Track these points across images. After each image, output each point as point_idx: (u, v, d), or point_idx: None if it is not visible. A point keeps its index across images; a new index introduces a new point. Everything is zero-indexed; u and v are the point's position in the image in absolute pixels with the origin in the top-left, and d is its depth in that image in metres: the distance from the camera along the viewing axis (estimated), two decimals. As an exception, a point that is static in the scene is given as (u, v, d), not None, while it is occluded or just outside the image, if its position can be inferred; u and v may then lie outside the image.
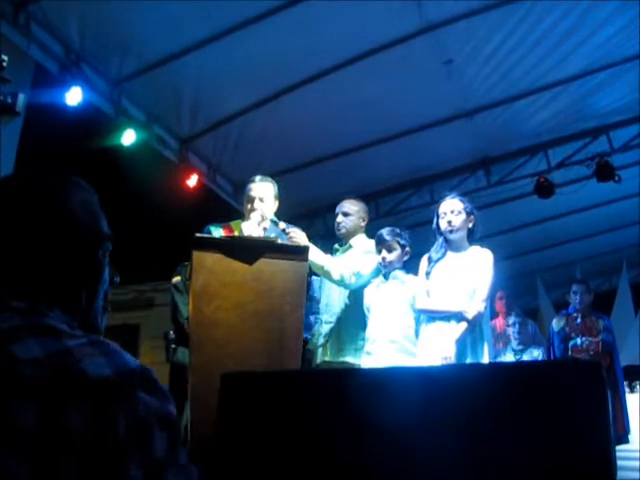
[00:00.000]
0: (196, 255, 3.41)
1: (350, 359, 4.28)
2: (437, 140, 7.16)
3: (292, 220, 4.41)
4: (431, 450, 1.51)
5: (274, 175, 6.19)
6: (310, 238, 4.22)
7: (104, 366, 1.09)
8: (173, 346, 5.12)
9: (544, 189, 7.89)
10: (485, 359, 3.83)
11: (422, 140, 7.12)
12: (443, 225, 4.04)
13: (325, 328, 4.41)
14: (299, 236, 4.05)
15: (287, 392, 1.61)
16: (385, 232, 4.27)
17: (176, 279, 5.11)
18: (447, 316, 3.88)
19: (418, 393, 1.59)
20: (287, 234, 4.03)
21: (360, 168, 7.38)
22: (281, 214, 4.25)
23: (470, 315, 3.83)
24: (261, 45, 5.62)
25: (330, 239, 4.99)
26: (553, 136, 7.66)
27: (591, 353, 6.09)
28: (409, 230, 4.63)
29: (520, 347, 6.60)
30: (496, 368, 2.11)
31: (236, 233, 3.89)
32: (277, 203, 4.16)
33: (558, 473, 1.38)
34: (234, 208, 7.06)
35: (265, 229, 3.94)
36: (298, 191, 7.29)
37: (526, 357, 6.49)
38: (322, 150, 7.24)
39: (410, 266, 4.30)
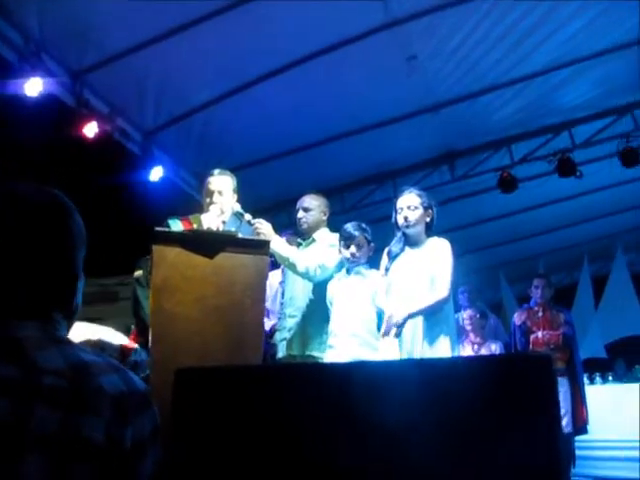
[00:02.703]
0: (157, 249, 3.39)
1: (315, 353, 4.29)
2: (401, 134, 7.19)
3: (256, 213, 4.40)
4: (384, 446, 1.52)
5: (239, 168, 6.19)
6: (276, 230, 4.23)
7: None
8: (134, 341, 5.08)
9: (507, 183, 7.98)
10: (443, 349, 3.83)
11: (387, 134, 7.13)
12: (400, 220, 4.06)
13: (289, 322, 4.41)
14: (265, 227, 4.07)
15: (244, 387, 1.60)
16: (352, 227, 4.27)
17: (138, 273, 5.05)
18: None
19: (371, 388, 1.60)
20: (253, 225, 4.03)
21: (325, 162, 7.39)
22: (246, 207, 4.24)
23: (431, 300, 3.86)
24: (224, 38, 5.59)
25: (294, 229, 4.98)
26: (516, 131, 7.75)
27: (551, 346, 6.16)
28: (373, 224, 4.65)
29: (478, 340, 6.65)
30: (443, 362, 2.13)
31: (195, 226, 3.87)
32: (236, 196, 4.15)
33: (507, 465, 1.39)
34: (198, 201, 7.02)
35: (224, 222, 3.92)
36: (262, 184, 7.27)
37: (484, 351, 6.53)
38: (286, 144, 7.24)
39: (371, 260, 4.32)
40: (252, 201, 5.42)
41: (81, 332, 3.20)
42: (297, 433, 1.63)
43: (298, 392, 1.64)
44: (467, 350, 6.55)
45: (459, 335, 6.74)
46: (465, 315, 6.74)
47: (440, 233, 4.22)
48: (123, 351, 3.42)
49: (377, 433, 1.57)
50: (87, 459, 1.09)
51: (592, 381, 9.16)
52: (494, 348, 6.60)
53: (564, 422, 6.12)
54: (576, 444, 6.60)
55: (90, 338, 3.29)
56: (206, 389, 1.58)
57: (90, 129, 5.91)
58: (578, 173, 7.87)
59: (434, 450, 1.48)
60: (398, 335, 3.75)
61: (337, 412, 1.62)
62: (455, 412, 1.41)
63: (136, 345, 3.74)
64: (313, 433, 1.63)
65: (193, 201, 7.19)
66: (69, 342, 1.23)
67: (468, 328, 6.68)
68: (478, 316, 6.69)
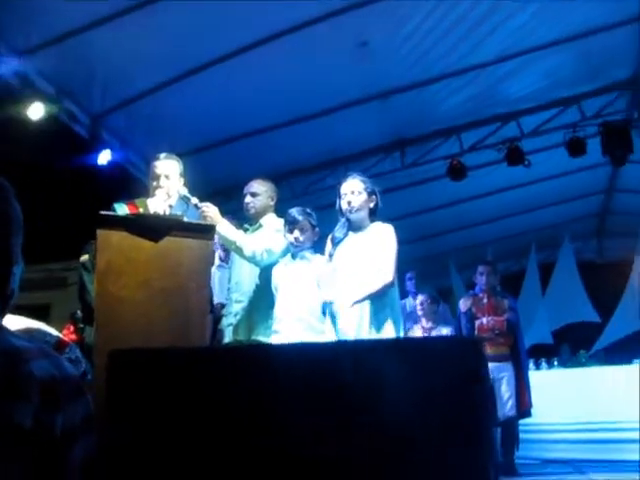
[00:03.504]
0: (101, 233, 3.36)
1: (261, 338, 4.30)
2: (353, 121, 7.21)
3: (208, 198, 4.39)
4: (318, 424, 1.55)
5: (189, 153, 6.17)
6: (224, 214, 4.23)
7: (50, 369, 1.15)
8: (81, 325, 5.04)
9: (457, 171, 8.07)
10: (387, 333, 3.86)
11: (338, 121, 7.15)
12: (344, 205, 4.09)
13: (236, 307, 4.42)
14: (212, 211, 4.07)
15: (177, 369, 1.61)
16: (296, 212, 4.29)
17: (84, 257, 5.00)
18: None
19: (305, 369, 1.62)
20: (199, 209, 4.03)
21: (276, 147, 7.38)
22: (196, 191, 4.23)
23: (376, 285, 3.89)
24: (174, 21, 5.53)
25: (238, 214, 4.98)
26: (466, 120, 7.83)
27: (496, 332, 6.28)
28: (325, 210, 4.67)
29: (430, 325, 6.71)
30: (376, 344, 2.16)
31: (141, 210, 3.85)
32: (182, 180, 4.14)
33: (437, 442, 1.43)
34: (147, 186, 6.95)
35: (171, 206, 3.91)
36: (214, 169, 7.26)
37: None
38: (237, 129, 7.20)
39: (318, 246, 4.34)
40: (202, 186, 5.41)
41: (16, 323, 3.16)
42: (237, 414, 1.65)
43: (237, 374, 1.65)
44: (418, 335, 6.62)
45: (411, 320, 6.82)
46: (417, 301, 6.79)
47: (391, 220, 4.24)
48: (58, 346, 3.39)
49: (322, 414, 1.60)
50: (18, 445, 1.09)
51: (538, 366, 9.33)
52: (445, 332, 6.67)
53: (508, 406, 6.26)
54: (522, 427, 6.75)
55: (29, 327, 3.25)
56: (140, 370, 1.59)
57: (35, 111, 5.80)
58: (526, 162, 8.00)
59: (357, 426, 1.51)
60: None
61: (278, 393, 1.63)
62: (382, 392, 1.44)
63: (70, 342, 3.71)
64: (256, 414, 1.65)
65: (142, 185, 7.12)
66: (1, 328, 1.22)
67: (420, 313, 6.73)
68: (429, 301, 6.72)
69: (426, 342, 1.99)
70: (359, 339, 3.60)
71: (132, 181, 7.29)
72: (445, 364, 1.45)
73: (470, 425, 1.38)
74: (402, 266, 5.56)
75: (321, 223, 4.41)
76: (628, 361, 8.95)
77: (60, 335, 3.88)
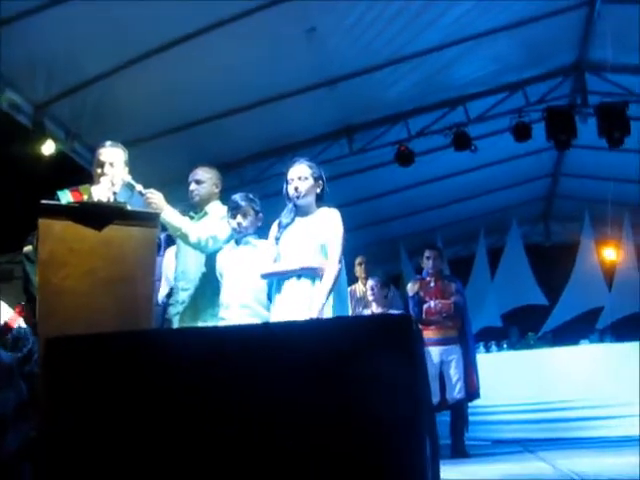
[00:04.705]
0: (42, 223, 3.31)
1: (208, 324, 4.29)
2: (300, 108, 7.20)
3: (157, 186, 4.34)
4: (261, 400, 1.56)
5: (136, 142, 6.09)
6: (174, 203, 4.20)
7: None
8: (27, 315, 4.96)
9: (404, 157, 8.14)
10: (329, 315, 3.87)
11: (285, 108, 7.13)
12: (291, 191, 4.09)
13: (182, 295, 4.41)
14: (156, 198, 4.04)
15: (113, 354, 1.60)
16: (239, 198, 4.29)
17: (27, 248, 4.92)
18: (297, 275, 3.93)
19: (251, 350, 1.62)
20: (144, 195, 4.00)
21: (224, 135, 7.33)
22: (145, 179, 4.19)
23: (326, 272, 3.89)
24: (120, 8, 5.42)
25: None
26: (413, 105, 7.89)
27: (444, 315, 6.37)
28: (272, 198, 4.66)
29: (380, 310, 6.72)
30: (310, 324, 2.19)
31: (85, 197, 3.81)
32: (127, 169, 4.10)
33: (368, 419, 1.45)
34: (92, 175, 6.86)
35: (115, 193, 3.87)
36: (162, 157, 7.17)
37: None
38: (186, 117, 7.13)
39: (264, 232, 4.33)
40: (152, 174, 5.36)
41: None
42: (182, 398, 1.65)
43: (180, 357, 1.65)
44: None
45: (361, 305, 6.84)
46: (367, 285, 6.79)
47: (340, 206, 4.25)
48: (4, 328, 3.34)
49: (257, 398, 1.61)
50: None
51: (488, 349, 9.50)
52: None
53: (457, 388, 6.36)
54: (472, 409, 6.87)
55: None
56: (77, 357, 1.57)
57: (-26, 101, 5.67)
58: (473, 147, 8.12)
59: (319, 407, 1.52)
60: None
61: (222, 376, 1.63)
62: (317, 370, 1.46)
63: (19, 319, 3.66)
64: (200, 398, 1.65)
65: (87, 175, 7.02)
66: None
67: (370, 298, 6.70)
68: (380, 286, 6.70)
69: (357, 321, 2.00)
70: (292, 320, 3.58)
71: (77, 171, 7.18)
72: (377, 342, 1.47)
73: (404, 401, 1.40)
74: (351, 252, 5.60)
75: (270, 210, 4.39)
76: (575, 342, 9.20)
77: (6, 320, 3.82)
